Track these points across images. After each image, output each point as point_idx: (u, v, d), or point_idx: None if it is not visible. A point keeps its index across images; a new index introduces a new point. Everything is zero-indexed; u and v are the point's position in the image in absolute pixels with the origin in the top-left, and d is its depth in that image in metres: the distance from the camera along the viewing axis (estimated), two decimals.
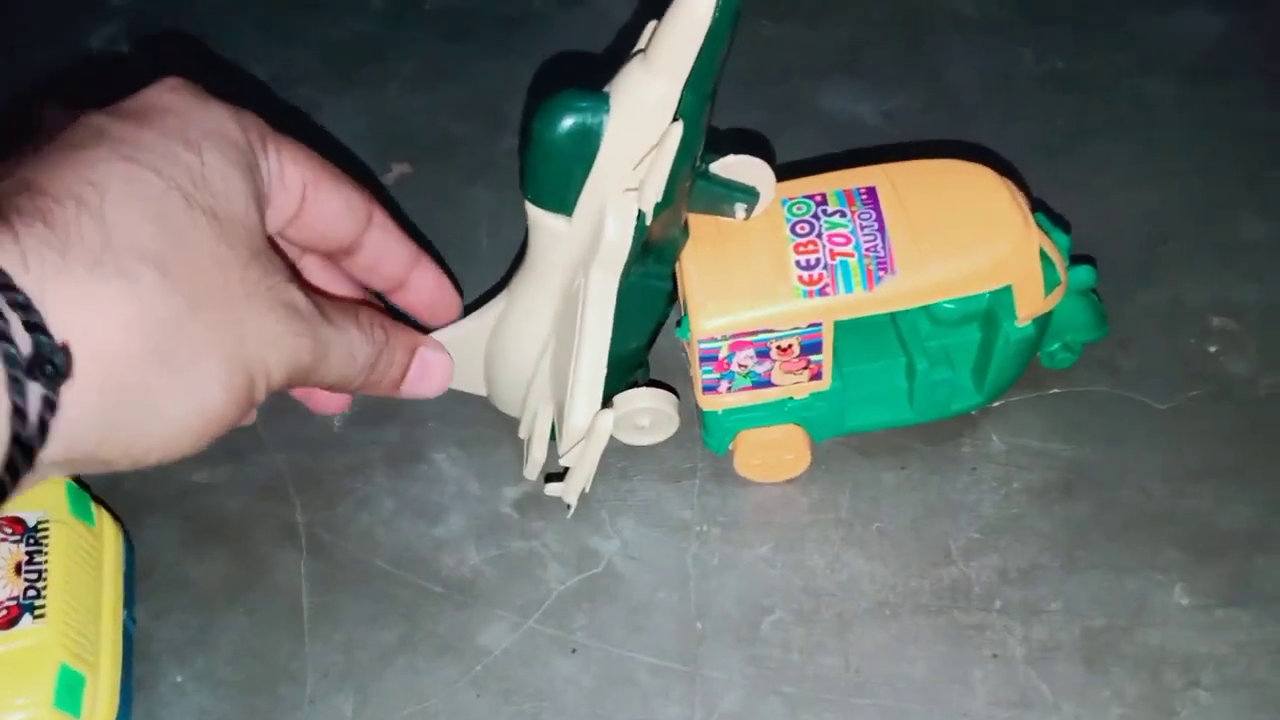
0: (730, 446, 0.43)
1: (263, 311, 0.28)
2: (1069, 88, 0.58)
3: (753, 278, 0.39)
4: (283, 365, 0.29)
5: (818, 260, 0.39)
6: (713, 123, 0.37)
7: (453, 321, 0.43)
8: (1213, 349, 0.46)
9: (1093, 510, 0.41)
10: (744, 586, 0.41)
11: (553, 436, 0.42)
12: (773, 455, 0.43)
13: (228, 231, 0.27)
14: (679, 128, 0.34)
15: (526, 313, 0.40)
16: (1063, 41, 0.61)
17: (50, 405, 0.23)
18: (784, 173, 0.43)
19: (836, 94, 0.60)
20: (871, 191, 0.41)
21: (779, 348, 0.39)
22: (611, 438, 0.39)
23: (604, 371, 0.37)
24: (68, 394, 0.23)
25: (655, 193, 0.35)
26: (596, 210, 0.35)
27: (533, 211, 0.36)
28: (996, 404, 0.45)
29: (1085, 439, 0.43)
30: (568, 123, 0.34)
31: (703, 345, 0.39)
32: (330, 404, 0.42)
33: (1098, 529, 0.41)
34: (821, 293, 0.38)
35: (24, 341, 0.22)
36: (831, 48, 0.63)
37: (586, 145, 0.34)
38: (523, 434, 0.44)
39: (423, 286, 0.39)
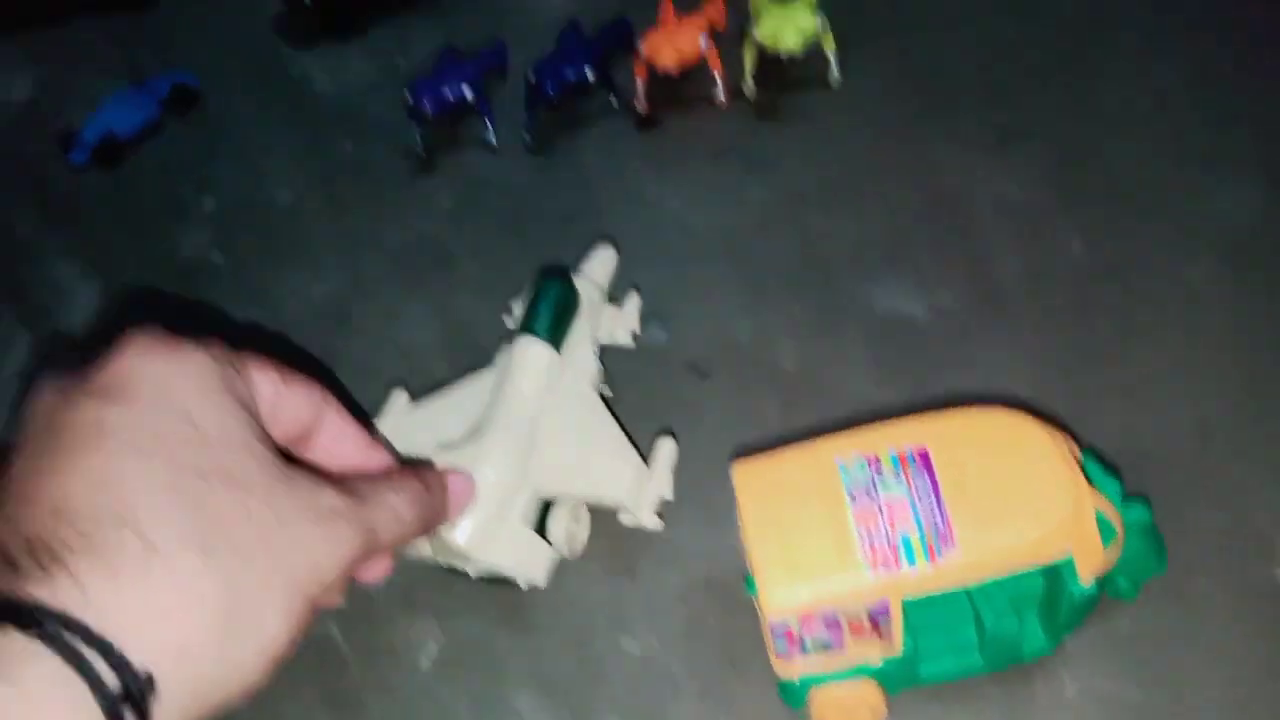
0: (806, 701, 0.43)
1: (301, 534, 0.28)
2: (1114, 277, 0.57)
3: (817, 552, 0.39)
4: (335, 567, 0.29)
5: (879, 532, 0.39)
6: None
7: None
8: None
9: None
10: None
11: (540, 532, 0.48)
12: (848, 710, 0.42)
13: (243, 478, 0.28)
14: (638, 297, 0.59)
15: (506, 427, 0.48)
16: (1104, 224, 0.60)
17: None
18: (836, 424, 0.43)
19: (885, 290, 0.60)
20: (924, 455, 0.41)
21: (848, 619, 0.39)
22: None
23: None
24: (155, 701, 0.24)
25: (634, 325, 0.57)
26: (575, 349, 0.52)
27: (539, 348, 0.50)
28: (1067, 641, 0.44)
29: (1155, 681, 0.42)
30: (574, 290, 0.53)
31: (773, 621, 0.39)
32: (373, 573, 0.38)
33: None
34: (885, 568, 0.39)
35: (111, 678, 0.24)
36: (877, 239, 0.63)
37: (576, 305, 0.53)
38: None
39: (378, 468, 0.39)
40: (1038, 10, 0.78)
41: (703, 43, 0.71)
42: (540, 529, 0.48)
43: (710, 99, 0.74)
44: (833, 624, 0.39)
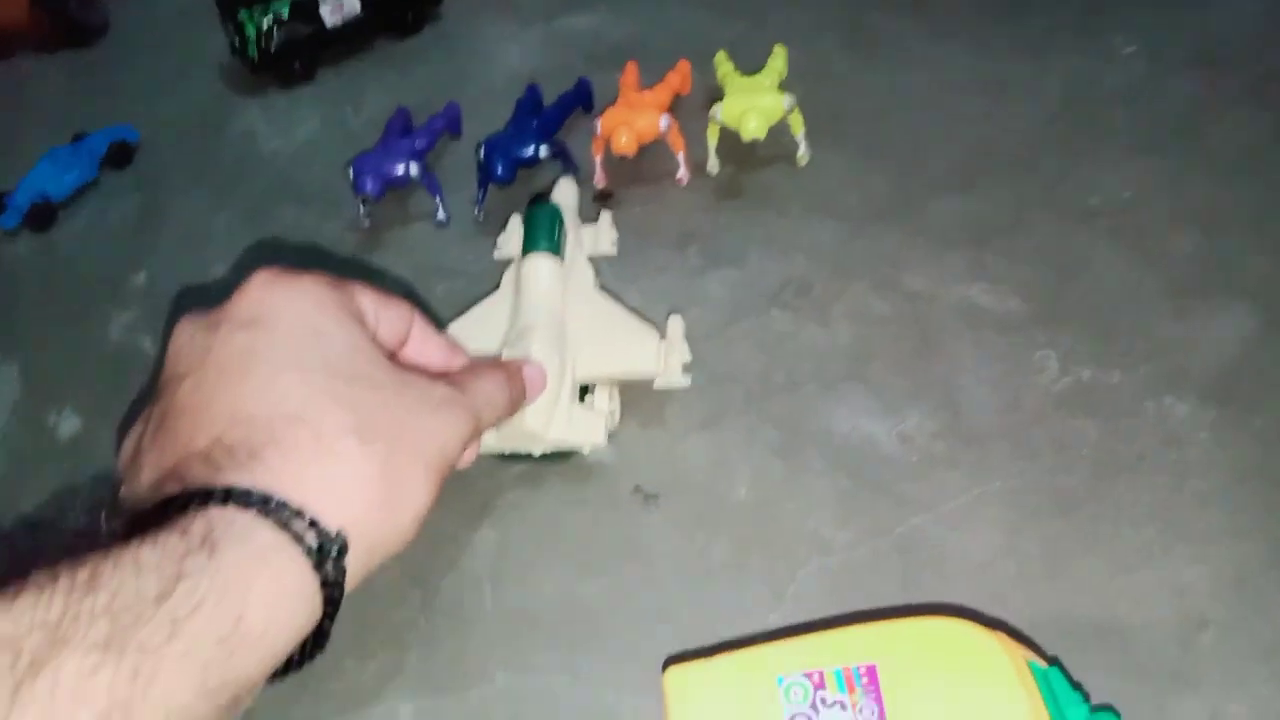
0: None
1: (427, 421, 0.34)
2: (1091, 409, 0.52)
3: None
4: (457, 447, 0.35)
5: None
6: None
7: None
8: None
9: None
10: None
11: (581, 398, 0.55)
12: None
13: (375, 380, 0.33)
14: (609, 214, 0.65)
15: (542, 325, 0.53)
16: (1083, 344, 0.55)
17: (343, 572, 0.30)
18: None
19: (848, 409, 0.55)
20: (872, 673, 0.36)
21: None
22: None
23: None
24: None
25: (612, 236, 0.64)
26: (571, 260, 0.59)
27: (546, 261, 0.55)
28: None
29: None
30: (558, 210, 0.59)
31: None
32: (468, 458, 0.43)
33: None
34: None
35: (311, 538, 0.29)
36: (842, 348, 0.58)
37: (563, 222, 0.59)
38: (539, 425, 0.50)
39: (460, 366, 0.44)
40: (1018, 93, 0.72)
41: (663, 124, 0.65)
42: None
43: (671, 175, 0.69)
44: None
